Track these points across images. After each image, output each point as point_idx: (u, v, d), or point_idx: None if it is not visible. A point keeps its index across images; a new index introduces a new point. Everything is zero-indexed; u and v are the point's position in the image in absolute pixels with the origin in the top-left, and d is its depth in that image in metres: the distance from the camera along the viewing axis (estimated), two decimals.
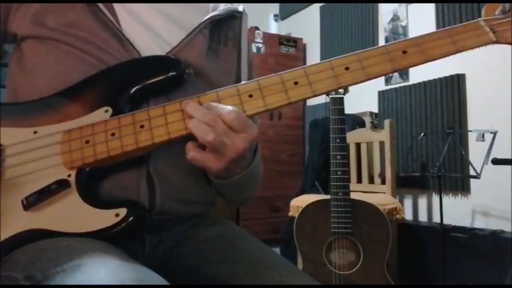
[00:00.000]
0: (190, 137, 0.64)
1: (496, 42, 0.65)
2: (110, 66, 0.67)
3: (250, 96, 0.64)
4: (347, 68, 0.64)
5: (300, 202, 2.12)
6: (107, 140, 0.62)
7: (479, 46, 0.65)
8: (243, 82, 0.66)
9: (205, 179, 0.77)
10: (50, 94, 0.66)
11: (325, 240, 1.70)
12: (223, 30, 0.80)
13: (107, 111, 0.65)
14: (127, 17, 0.72)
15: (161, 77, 0.67)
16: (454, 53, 0.65)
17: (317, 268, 1.69)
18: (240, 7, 0.83)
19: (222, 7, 0.80)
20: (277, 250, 2.56)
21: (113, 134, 0.63)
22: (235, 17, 0.82)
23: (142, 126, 0.63)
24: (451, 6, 2.55)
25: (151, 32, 0.73)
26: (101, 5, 0.69)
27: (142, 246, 0.70)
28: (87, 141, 0.63)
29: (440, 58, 0.65)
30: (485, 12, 0.68)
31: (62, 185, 0.61)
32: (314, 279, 0.68)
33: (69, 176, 0.62)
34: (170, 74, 0.67)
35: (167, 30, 0.74)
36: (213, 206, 0.82)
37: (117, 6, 0.71)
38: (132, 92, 0.66)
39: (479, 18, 0.67)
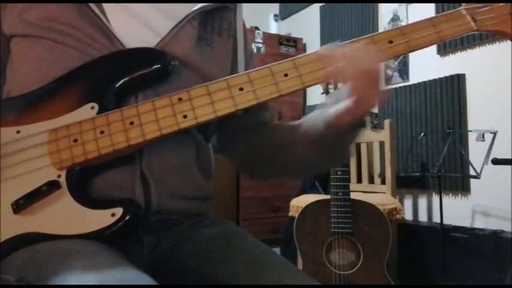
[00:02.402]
0: (182, 133, 0.62)
1: (477, 30, 0.65)
2: (93, 60, 0.64)
3: (241, 89, 0.63)
4: None
5: (300, 202, 2.12)
6: (96, 138, 0.60)
7: (461, 34, 0.66)
8: (232, 75, 0.65)
9: (201, 173, 0.75)
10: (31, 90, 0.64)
11: (325, 240, 1.70)
12: (217, 20, 0.77)
13: (93, 107, 0.62)
14: (115, 9, 0.69)
15: (146, 70, 0.64)
16: (438, 42, 0.66)
17: (317, 268, 1.69)
18: None
19: None
20: (277, 250, 2.56)
21: (102, 132, 0.61)
22: (229, 8, 0.79)
23: (132, 123, 0.61)
24: (451, 6, 2.55)
25: (141, 23, 0.70)
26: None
27: (141, 246, 0.69)
28: (75, 140, 0.60)
29: (424, 47, 0.65)
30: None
31: (52, 186, 0.59)
32: (314, 279, 0.68)
33: (59, 176, 0.60)
34: (155, 66, 0.65)
35: (157, 21, 0.71)
36: (210, 202, 0.80)
37: None
38: (117, 86, 0.63)
39: (460, 7, 0.67)
